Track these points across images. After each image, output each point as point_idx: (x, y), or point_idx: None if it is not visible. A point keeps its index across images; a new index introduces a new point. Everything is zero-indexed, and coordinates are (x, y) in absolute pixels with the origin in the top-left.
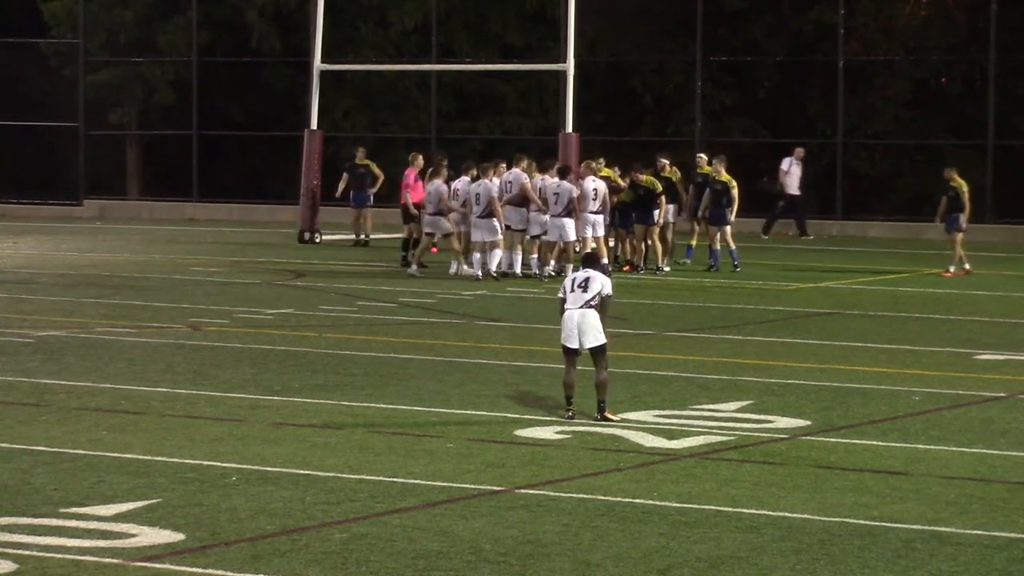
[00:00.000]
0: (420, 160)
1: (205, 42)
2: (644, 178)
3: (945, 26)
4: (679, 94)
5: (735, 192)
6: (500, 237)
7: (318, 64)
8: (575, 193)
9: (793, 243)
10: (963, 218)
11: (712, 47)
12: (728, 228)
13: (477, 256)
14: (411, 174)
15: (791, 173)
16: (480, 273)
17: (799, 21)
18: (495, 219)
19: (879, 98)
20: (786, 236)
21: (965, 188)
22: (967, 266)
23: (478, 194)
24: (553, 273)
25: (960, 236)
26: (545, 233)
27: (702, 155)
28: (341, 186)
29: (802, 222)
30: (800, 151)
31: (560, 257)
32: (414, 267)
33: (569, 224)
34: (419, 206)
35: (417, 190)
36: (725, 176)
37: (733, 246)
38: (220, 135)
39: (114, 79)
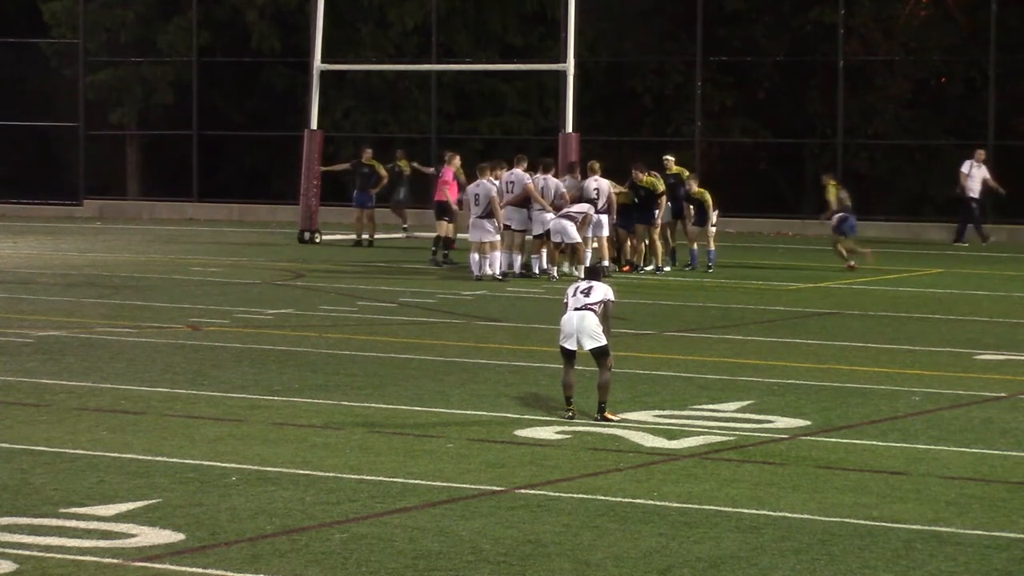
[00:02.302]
0: (457, 159)
1: (205, 42)
2: (645, 179)
3: (945, 26)
4: (679, 94)
5: (710, 202)
6: (498, 238)
7: (318, 64)
8: (562, 190)
9: (793, 243)
10: (833, 218)
11: (712, 47)
12: (712, 230)
13: (475, 256)
14: (448, 172)
15: (972, 176)
16: (478, 273)
17: (799, 21)
18: (495, 220)
19: (879, 98)
20: (787, 236)
21: (832, 192)
22: (853, 262)
23: (477, 195)
24: (557, 276)
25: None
26: (548, 233)
27: (669, 157)
28: (339, 167)
29: (980, 227)
30: (981, 153)
31: (571, 259)
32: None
33: (570, 225)
34: (458, 203)
35: (454, 189)
36: (698, 190)
37: (695, 246)
38: (220, 135)
39: (114, 79)
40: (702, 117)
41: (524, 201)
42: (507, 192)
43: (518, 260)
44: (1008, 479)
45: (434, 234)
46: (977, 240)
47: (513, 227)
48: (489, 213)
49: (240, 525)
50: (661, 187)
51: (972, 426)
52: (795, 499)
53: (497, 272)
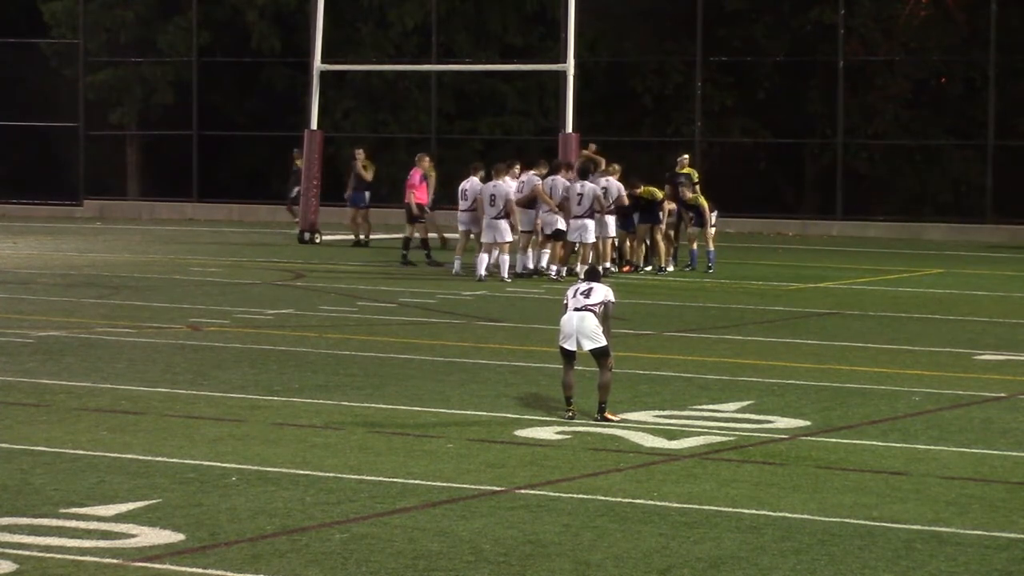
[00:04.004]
0: (426, 160)
1: (205, 42)
2: (642, 190)
3: (945, 26)
4: (679, 94)
5: (706, 206)
6: (511, 239)
7: (318, 64)
8: (599, 192)
9: (793, 243)
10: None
11: (712, 47)
12: (712, 231)
13: (483, 257)
14: (416, 174)
15: None
16: (481, 273)
17: (799, 21)
18: (511, 220)
19: (879, 98)
20: (786, 236)
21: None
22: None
23: (493, 195)
24: (563, 275)
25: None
26: (555, 234)
27: (685, 156)
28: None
29: None
30: None
31: (581, 259)
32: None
33: (590, 226)
34: (422, 207)
35: (422, 190)
36: (691, 196)
37: (695, 247)
38: (220, 135)
39: (114, 79)
40: (702, 117)
41: (531, 202)
42: (519, 193)
43: (530, 260)
44: (1008, 479)
45: (418, 236)
46: None
47: (521, 228)
48: (505, 214)
49: (240, 525)
50: (660, 194)
51: (972, 426)
52: (795, 499)
53: (506, 275)
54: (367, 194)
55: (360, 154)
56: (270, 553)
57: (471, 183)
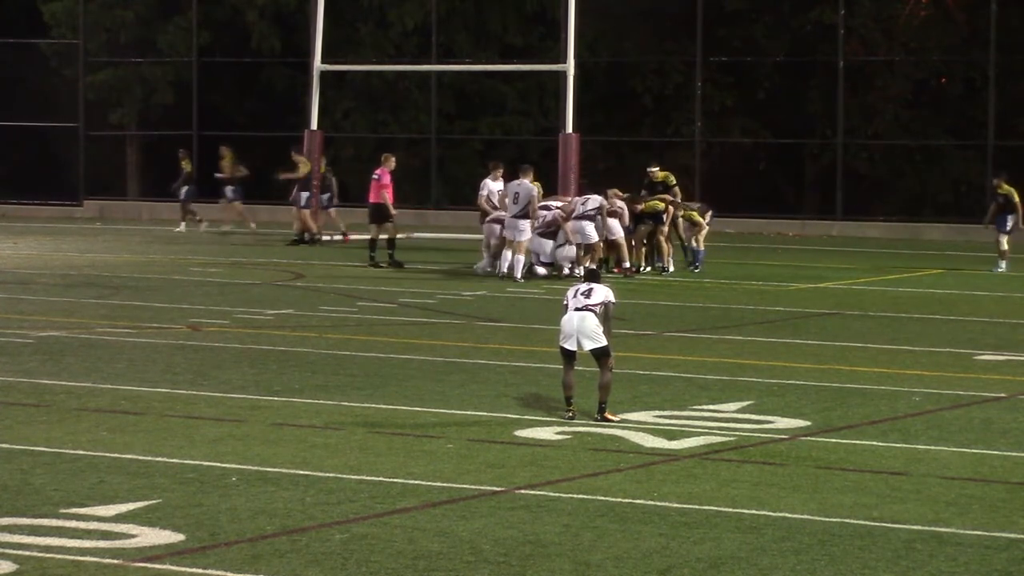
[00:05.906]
0: (392, 161)
1: (205, 42)
2: (644, 206)
3: (945, 26)
4: (679, 94)
5: (707, 219)
6: (527, 239)
7: (318, 64)
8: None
9: (793, 243)
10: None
11: (712, 47)
12: (704, 230)
13: (507, 254)
14: (384, 174)
15: None
16: (504, 270)
17: (799, 21)
18: (530, 220)
19: (879, 98)
20: (786, 236)
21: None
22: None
23: (517, 193)
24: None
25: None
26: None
27: (652, 168)
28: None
29: None
30: None
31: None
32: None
33: (590, 226)
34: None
35: (391, 190)
36: (686, 214)
37: (694, 243)
38: (220, 135)
39: (114, 79)
40: (702, 117)
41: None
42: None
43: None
44: (1008, 479)
45: (368, 237)
46: None
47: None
48: (526, 214)
49: (240, 525)
50: (661, 205)
51: (972, 426)
52: (795, 499)
53: (518, 275)
54: (304, 196)
55: (294, 154)
56: (270, 553)
57: (522, 185)
